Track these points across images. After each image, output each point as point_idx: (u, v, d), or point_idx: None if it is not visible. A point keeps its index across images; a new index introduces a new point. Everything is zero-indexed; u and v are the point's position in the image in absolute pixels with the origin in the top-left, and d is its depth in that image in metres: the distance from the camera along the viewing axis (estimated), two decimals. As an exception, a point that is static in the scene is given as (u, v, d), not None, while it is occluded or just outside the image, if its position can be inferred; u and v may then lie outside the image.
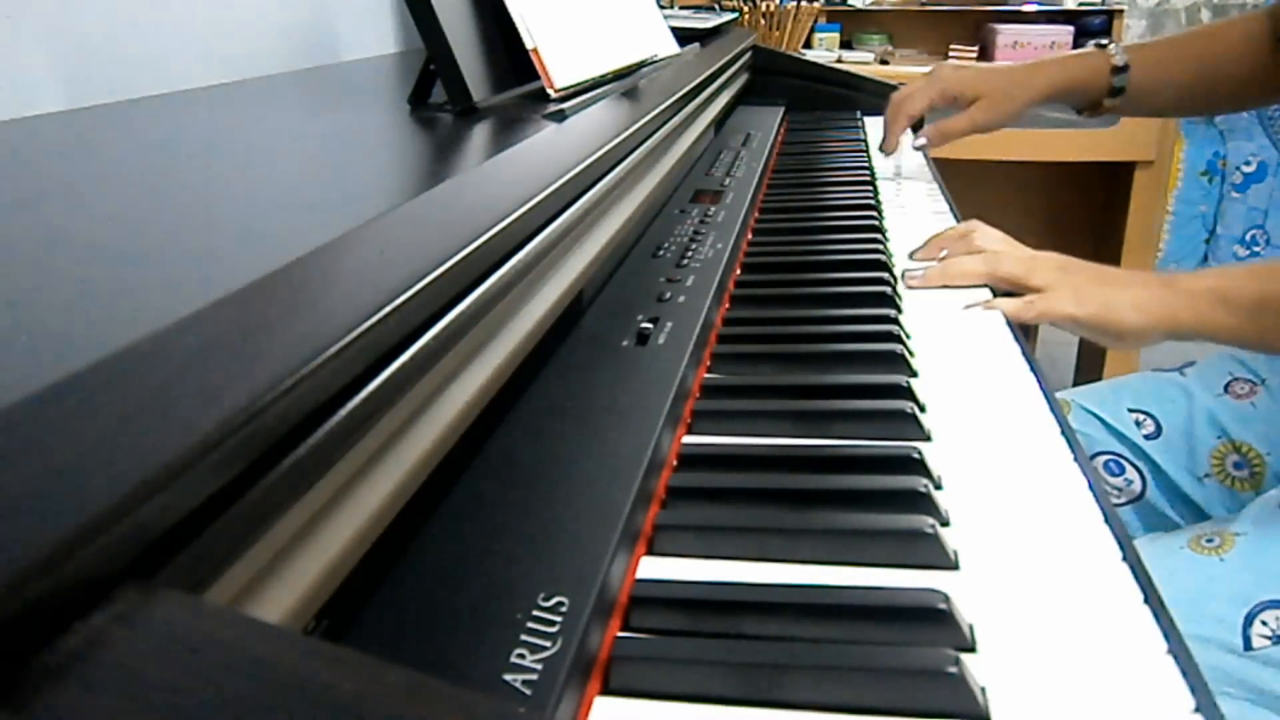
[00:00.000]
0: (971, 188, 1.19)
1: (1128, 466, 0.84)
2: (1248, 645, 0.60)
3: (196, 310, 0.23)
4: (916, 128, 1.11)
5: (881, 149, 1.12)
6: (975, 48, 2.46)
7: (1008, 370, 0.58)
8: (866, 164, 1.12)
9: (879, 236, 0.83)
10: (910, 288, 0.73)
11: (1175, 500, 0.83)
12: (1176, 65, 0.99)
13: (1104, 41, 1.01)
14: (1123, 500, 0.84)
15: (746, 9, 2.08)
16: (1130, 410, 0.86)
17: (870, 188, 1.01)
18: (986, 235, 0.76)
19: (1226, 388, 0.84)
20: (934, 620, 0.34)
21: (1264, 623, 0.61)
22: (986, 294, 0.70)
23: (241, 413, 0.21)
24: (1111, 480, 0.85)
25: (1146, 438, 0.85)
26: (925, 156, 1.20)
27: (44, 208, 0.36)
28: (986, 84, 1.02)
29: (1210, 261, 2.83)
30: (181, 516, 0.20)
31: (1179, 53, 0.99)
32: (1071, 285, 0.67)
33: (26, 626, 0.16)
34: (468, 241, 0.36)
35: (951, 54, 2.46)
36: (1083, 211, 1.97)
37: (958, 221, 0.92)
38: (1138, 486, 0.84)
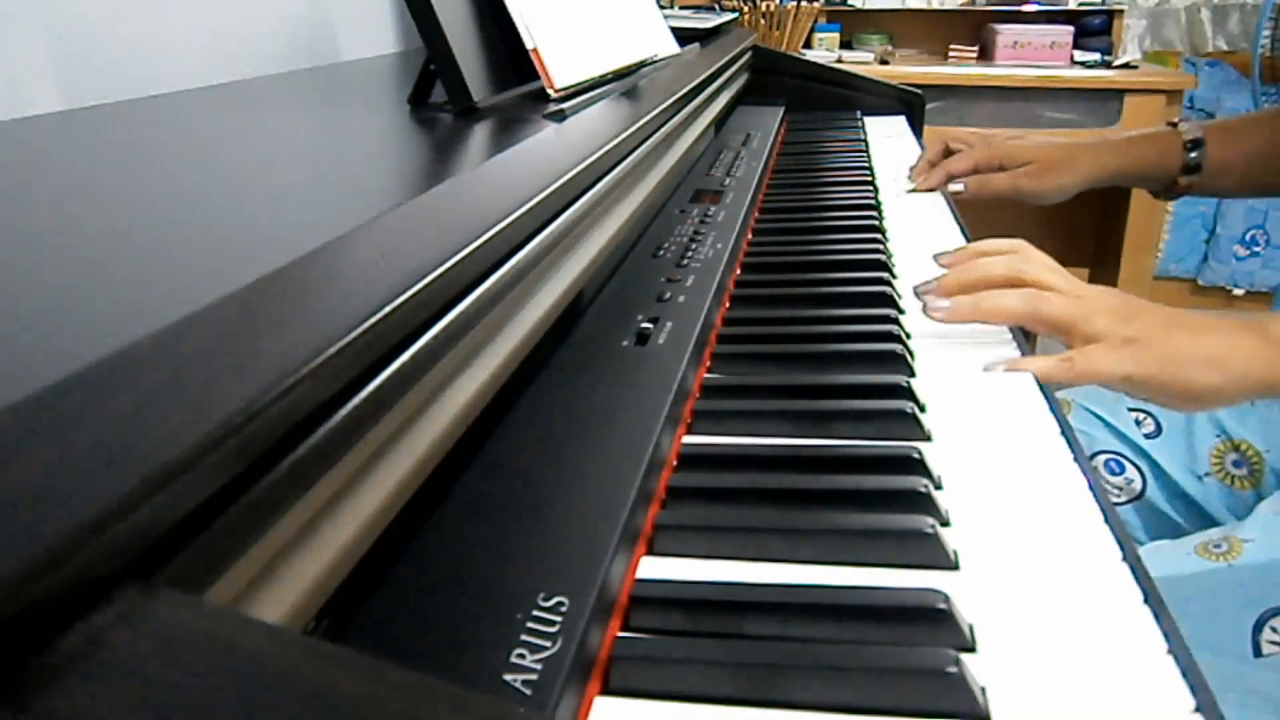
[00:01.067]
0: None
1: (1128, 465, 0.84)
2: (1257, 652, 0.60)
3: (196, 310, 0.23)
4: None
5: (911, 179, 1.04)
6: (975, 48, 2.46)
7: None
8: (866, 164, 1.12)
9: (879, 236, 0.83)
10: (932, 318, 0.60)
11: (1175, 499, 0.83)
12: (1258, 138, 0.91)
13: (1175, 121, 0.93)
14: (1123, 499, 0.84)
15: (746, 9, 2.08)
16: (1130, 409, 0.86)
17: (870, 188, 1.01)
18: (1032, 261, 0.62)
19: None
20: (934, 620, 0.34)
21: (1273, 629, 0.60)
22: (1008, 341, 0.61)
23: (242, 412, 0.21)
24: (1112, 479, 0.85)
25: (1146, 437, 0.85)
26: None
27: (43, 208, 0.36)
28: (1039, 153, 0.94)
29: (1210, 262, 2.83)
30: (181, 516, 0.20)
31: (1259, 127, 0.92)
32: (1126, 336, 0.56)
33: (26, 626, 0.16)
34: (468, 242, 0.36)
35: (951, 54, 2.46)
36: (1083, 212, 1.97)
37: (957, 221, 0.92)
38: (1138, 485, 0.84)
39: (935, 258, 0.66)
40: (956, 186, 0.98)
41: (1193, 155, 0.91)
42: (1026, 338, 0.63)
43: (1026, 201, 0.96)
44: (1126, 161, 0.94)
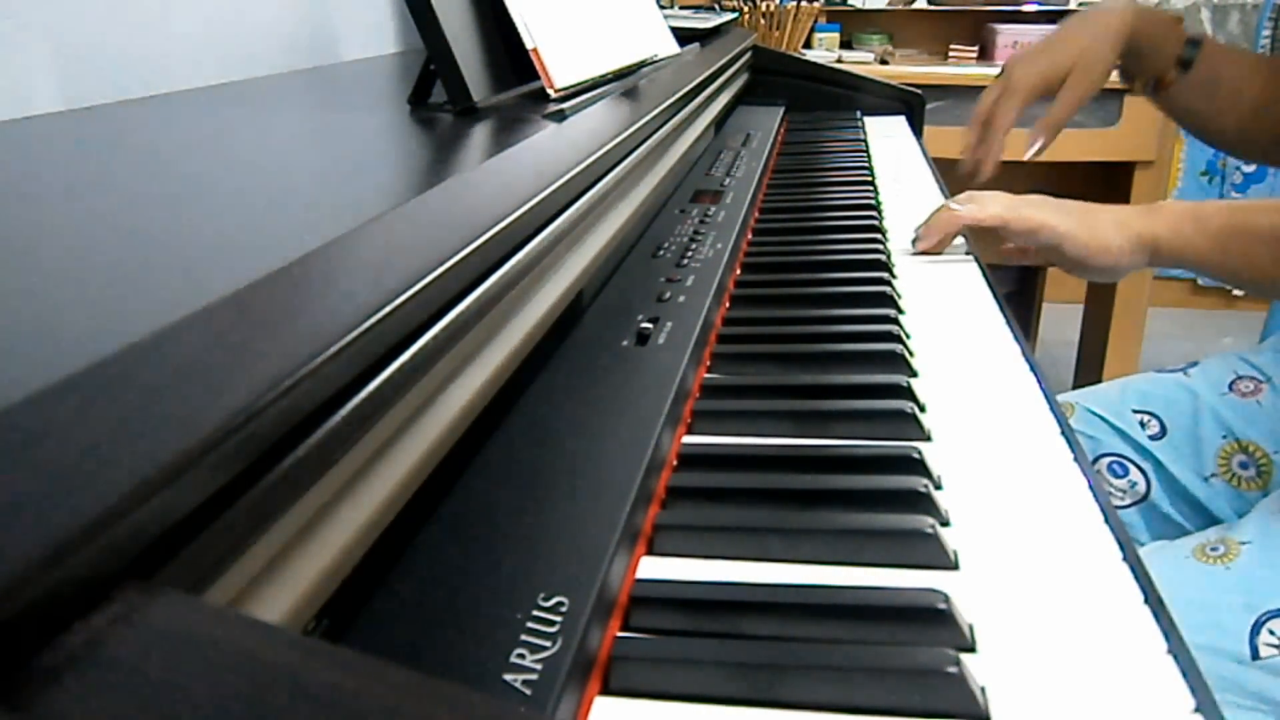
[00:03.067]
0: (971, 187, 1.19)
1: (1132, 468, 0.84)
2: (1255, 654, 0.60)
3: (196, 310, 0.23)
4: None
5: (966, 169, 0.99)
6: (975, 48, 2.46)
7: (1008, 370, 0.58)
8: (866, 164, 1.12)
9: (879, 236, 0.83)
10: (918, 251, 0.81)
11: (1180, 501, 0.83)
12: (1257, 80, 0.91)
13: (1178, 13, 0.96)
14: (1127, 502, 0.84)
15: (746, 9, 2.08)
16: (1135, 411, 0.86)
17: (870, 188, 1.01)
18: (979, 198, 0.80)
19: (1231, 386, 0.84)
20: (934, 620, 0.34)
21: (1271, 631, 0.60)
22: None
23: (241, 413, 0.21)
24: (1116, 482, 0.84)
25: (1151, 438, 0.84)
26: (926, 157, 1.19)
27: (43, 208, 0.36)
28: (1064, 56, 0.91)
29: (1210, 261, 2.83)
30: (181, 516, 0.20)
31: (1256, 71, 0.92)
32: (1052, 206, 0.74)
33: (26, 626, 0.16)
34: (468, 242, 0.36)
35: (951, 54, 2.45)
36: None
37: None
38: (1142, 488, 0.83)
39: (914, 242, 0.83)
40: (1034, 149, 0.96)
41: (1187, 51, 0.92)
42: (1026, 334, 0.63)
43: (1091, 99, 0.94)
44: (1140, 24, 0.92)
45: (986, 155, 0.97)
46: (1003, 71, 0.96)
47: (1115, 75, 0.97)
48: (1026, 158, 0.96)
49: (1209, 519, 0.82)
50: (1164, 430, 0.84)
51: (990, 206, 0.76)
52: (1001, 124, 0.95)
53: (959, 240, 0.84)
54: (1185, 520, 0.83)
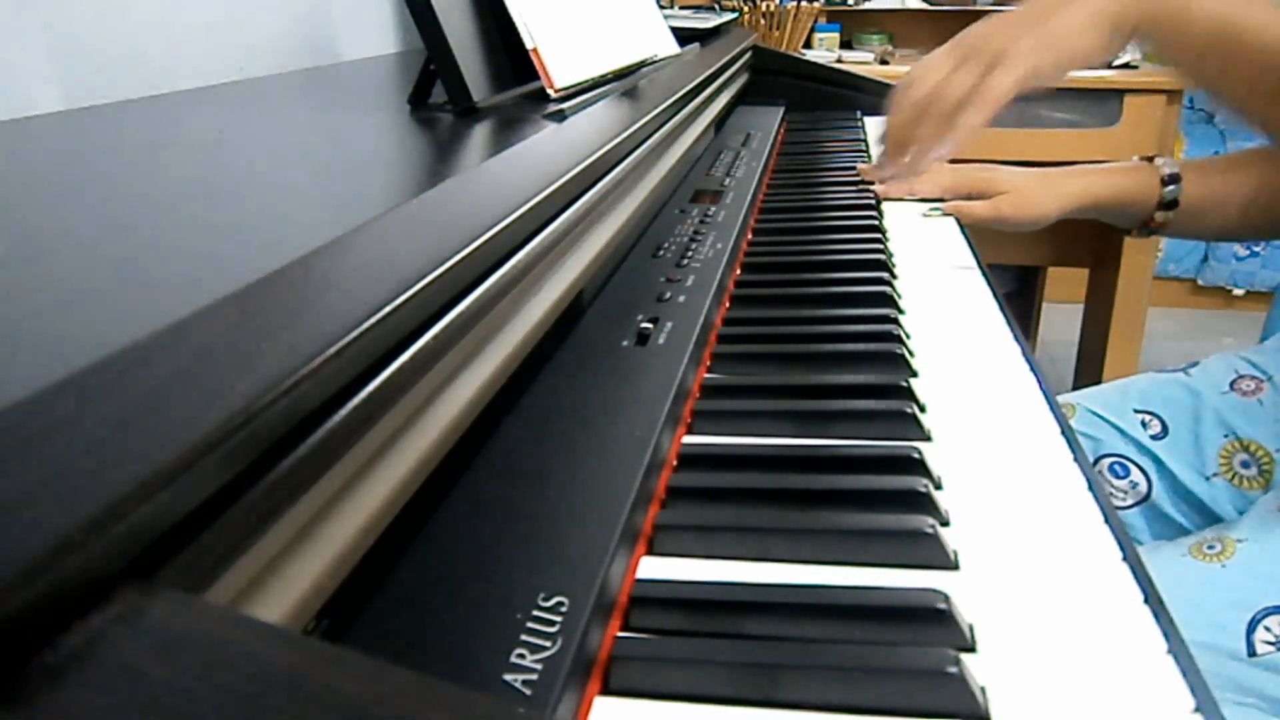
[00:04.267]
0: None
1: (1133, 468, 0.84)
2: (1251, 651, 0.60)
3: (196, 310, 0.23)
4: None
5: (866, 170, 1.02)
6: (975, 48, 2.46)
7: (1008, 370, 0.58)
8: (867, 164, 1.12)
9: (879, 236, 0.83)
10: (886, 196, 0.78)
11: (1182, 501, 0.83)
12: (1235, 180, 0.88)
13: (1150, 155, 0.91)
14: (1129, 503, 0.84)
15: (746, 9, 2.08)
16: (1136, 411, 0.86)
17: (870, 187, 1.01)
18: (920, 83, 0.77)
19: (1232, 385, 0.84)
20: (934, 620, 0.34)
21: (1267, 628, 0.60)
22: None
23: (241, 413, 0.21)
24: (1117, 483, 0.84)
25: (1153, 438, 0.84)
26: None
27: (43, 208, 0.36)
28: (1017, 181, 0.92)
29: (1210, 262, 2.83)
30: (181, 516, 0.20)
31: (1238, 168, 0.89)
32: (1010, 47, 0.69)
33: (26, 626, 0.16)
34: (468, 241, 0.36)
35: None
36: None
37: (957, 220, 0.92)
38: (1144, 488, 0.83)
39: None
40: (932, 210, 0.95)
41: (1169, 189, 0.89)
42: (1026, 334, 0.63)
43: (1006, 229, 0.93)
44: (1106, 191, 0.91)
45: (884, 191, 0.98)
46: (956, 166, 0.94)
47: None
48: (924, 215, 0.94)
49: (1210, 519, 0.82)
50: (1165, 430, 0.84)
51: (961, 129, 0.71)
52: (915, 190, 0.97)
53: (960, 241, 0.84)
54: (1186, 520, 0.83)
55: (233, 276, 0.26)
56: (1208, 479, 0.82)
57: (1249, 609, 0.61)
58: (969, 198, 0.94)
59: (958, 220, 0.93)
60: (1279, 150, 0.85)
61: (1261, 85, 0.63)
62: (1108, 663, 0.33)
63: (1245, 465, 0.81)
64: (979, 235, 0.85)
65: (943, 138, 0.72)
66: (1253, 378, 0.84)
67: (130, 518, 0.18)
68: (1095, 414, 0.86)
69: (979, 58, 0.70)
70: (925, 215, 0.95)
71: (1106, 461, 0.84)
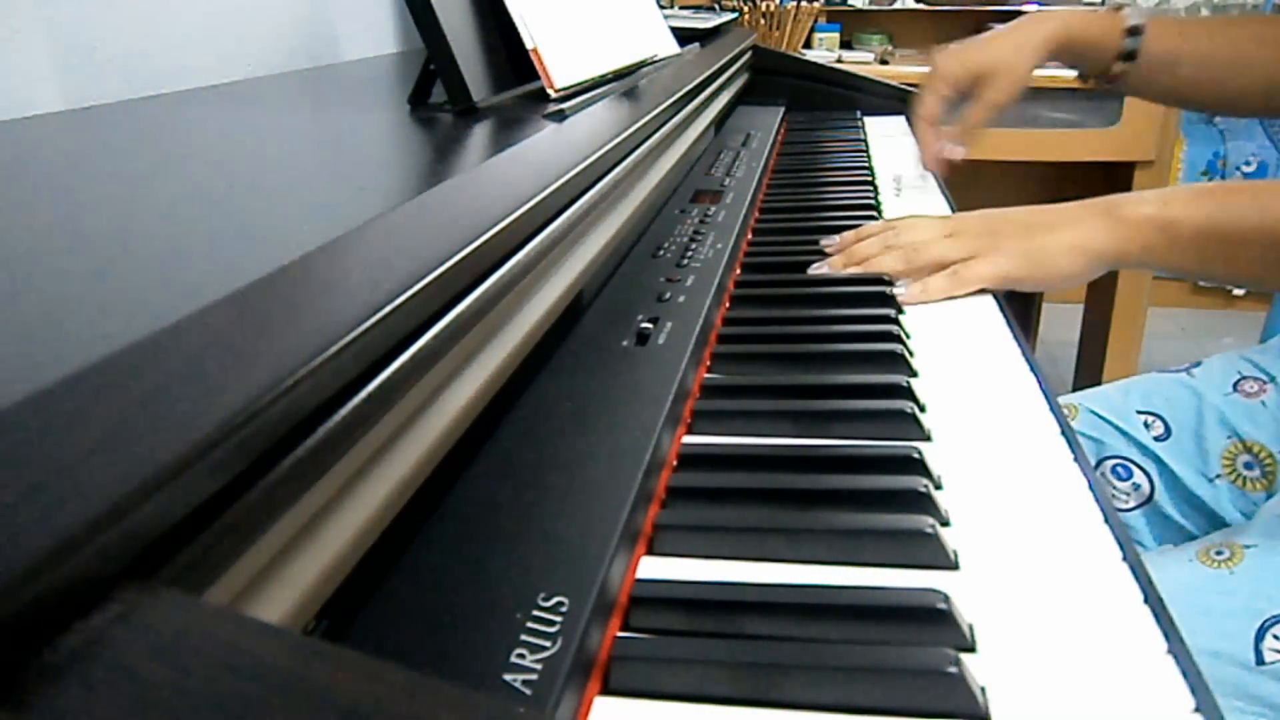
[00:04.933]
0: (971, 188, 1.18)
1: (1135, 470, 0.84)
2: (1260, 660, 0.60)
3: (196, 310, 0.23)
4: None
5: (924, 165, 1.04)
6: (975, 48, 2.46)
7: (1008, 370, 0.58)
8: (866, 164, 1.12)
9: (879, 236, 0.82)
10: (817, 272, 0.73)
11: (1184, 503, 0.82)
12: (1202, 44, 0.91)
13: (1121, 2, 0.95)
14: (1131, 505, 0.83)
15: (746, 9, 2.08)
16: (1139, 412, 0.85)
17: (870, 188, 1.01)
18: (900, 231, 0.73)
19: (1235, 386, 0.84)
20: (934, 620, 0.34)
21: (1276, 636, 0.60)
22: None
23: (241, 413, 0.21)
24: (1120, 485, 0.84)
25: (1156, 439, 0.84)
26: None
27: (43, 208, 0.36)
28: (986, 55, 0.95)
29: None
30: (181, 516, 0.20)
31: (1208, 33, 0.92)
32: (995, 246, 0.69)
33: (26, 626, 0.16)
34: (468, 241, 0.36)
35: (951, 54, 2.45)
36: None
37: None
38: (1146, 490, 0.83)
39: (822, 246, 0.78)
40: (957, 152, 0.99)
41: (1127, 42, 0.92)
42: (1026, 334, 0.63)
43: (1009, 106, 0.97)
44: (1068, 32, 0.95)
45: (924, 149, 1.01)
46: (931, 63, 0.99)
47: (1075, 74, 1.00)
48: (957, 158, 1.00)
49: (1213, 521, 0.81)
50: (1168, 431, 0.84)
51: (932, 286, 0.69)
52: (924, 113, 0.99)
53: None
54: (1189, 522, 0.82)
55: (232, 276, 0.26)
56: (1211, 480, 0.82)
57: (1258, 616, 0.61)
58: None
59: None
60: (1260, 22, 0.90)
61: (1271, 260, 0.64)
62: (1107, 663, 0.33)
63: (1249, 467, 0.81)
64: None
65: (898, 276, 0.71)
66: (1256, 379, 0.84)
67: (130, 518, 0.18)
68: (1098, 415, 0.86)
69: (968, 242, 0.70)
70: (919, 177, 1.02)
71: (1109, 463, 0.84)
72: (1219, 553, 0.66)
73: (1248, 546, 0.66)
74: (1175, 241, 0.64)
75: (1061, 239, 0.67)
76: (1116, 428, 0.85)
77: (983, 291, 0.70)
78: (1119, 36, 0.93)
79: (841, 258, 0.74)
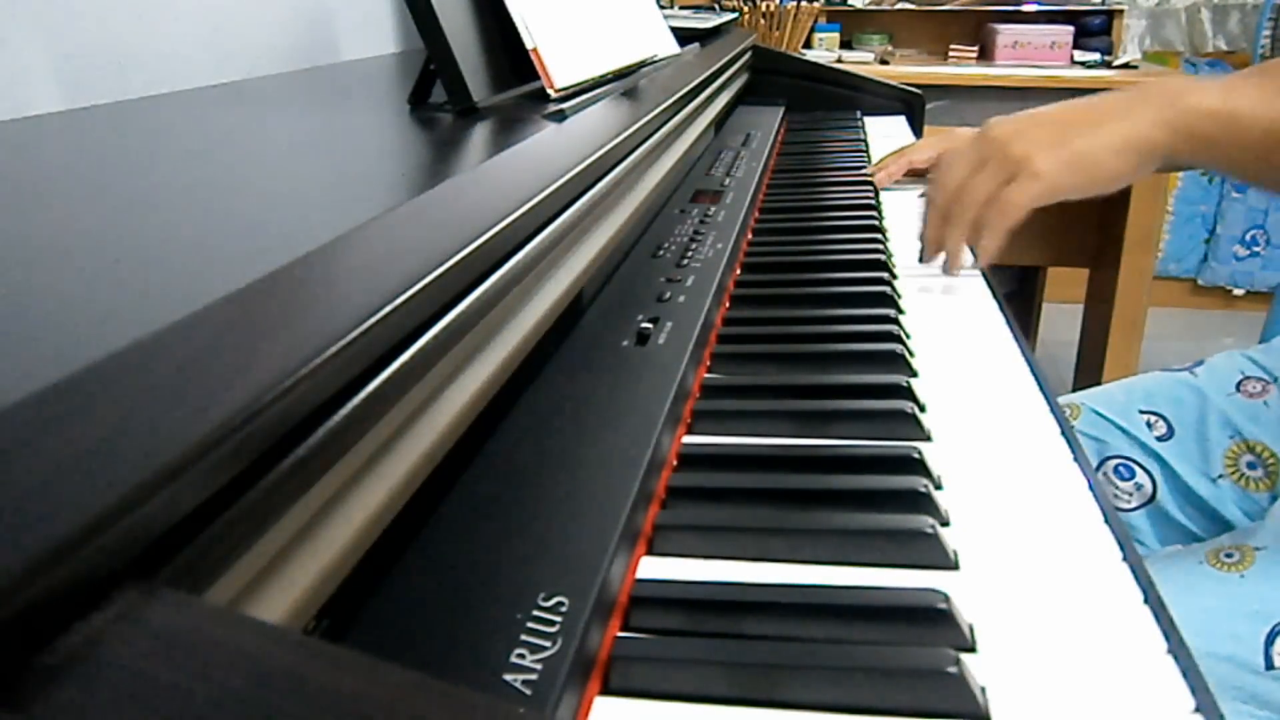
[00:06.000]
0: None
1: (1138, 470, 0.83)
2: (1270, 664, 0.59)
3: (197, 310, 0.23)
4: None
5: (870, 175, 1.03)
6: (975, 48, 2.45)
7: (1008, 370, 0.58)
8: (866, 164, 1.12)
9: (879, 236, 0.83)
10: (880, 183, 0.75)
11: (1187, 503, 0.82)
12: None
13: (1120, 5, 0.91)
14: (1134, 504, 0.83)
15: (746, 9, 2.08)
16: (1141, 412, 0.85)
17: (870, 187, 1.01)
18: (945, 172, 0.71)
19: (1238, 386, 0.84)
20: (934, 620, 0.34)
21: None
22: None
23: (241, 413, 0.21)
24: (1122, 485, 0.84)
25: (1158, 439, 0.84)
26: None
27: (43, 208, 0.36)
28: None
29: (1210, 262, 2.83)
30: (181, 516, 0.20)
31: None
32: (1033, 156, 0.63)
33: (26, 626, 0.16)
34: (468, 241, 0.36)
35: (951, 54, 2.45)
36: (1083, 211, 1.97)
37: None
38: (1149, 490, 0.83)
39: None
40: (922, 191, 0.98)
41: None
42: (1026, 334, 0.63)
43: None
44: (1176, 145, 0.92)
45: (882, 179, 1.01)
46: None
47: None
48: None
49: (1216, 521, 0.81)
50: (1171, 431, 0.84)
51: (985, 248, 0.68)
52: (912, 159, 1.00)
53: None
54: (1192, 523, 0.82)
55: (232, 276, 0.26)
56: (1213, 481, 0.81)
57: (1268, 620, 0.60)
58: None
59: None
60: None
61: None
62: (1108, 663, 0.33)
63: (1251, 467, 0.81)
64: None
65: (967, 242, 0.69)
66: (1259, 379, 0.84)
67: (130, 518, 0.18)
68: (1100, 415, 0.86)
69: (1000, 163, 0.66)
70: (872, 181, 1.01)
71: (1112, 463, 0.84)
72: (1228, 555, 0.66)
73: (1258, 549, 0.65)
74: (1237, 139, 0.59)
75: (1107, 137, 0.62)
76: (1119, 427, 0.85)
77: (984, 291, 0.70)
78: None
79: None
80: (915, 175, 1.04)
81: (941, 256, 0.73)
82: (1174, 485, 0.83)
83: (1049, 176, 0.63)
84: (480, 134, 0.54)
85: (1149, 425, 0.84)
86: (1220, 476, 0.81)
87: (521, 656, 0.29)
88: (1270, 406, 0.81)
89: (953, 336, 0.63)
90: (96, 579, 0.17)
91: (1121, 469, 0.84)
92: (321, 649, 0.18)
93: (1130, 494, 0.83)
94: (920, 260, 0.75)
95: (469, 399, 0.37)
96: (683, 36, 1.07)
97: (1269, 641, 0.60)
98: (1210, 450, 0.82)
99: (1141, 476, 0.83)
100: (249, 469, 0.22)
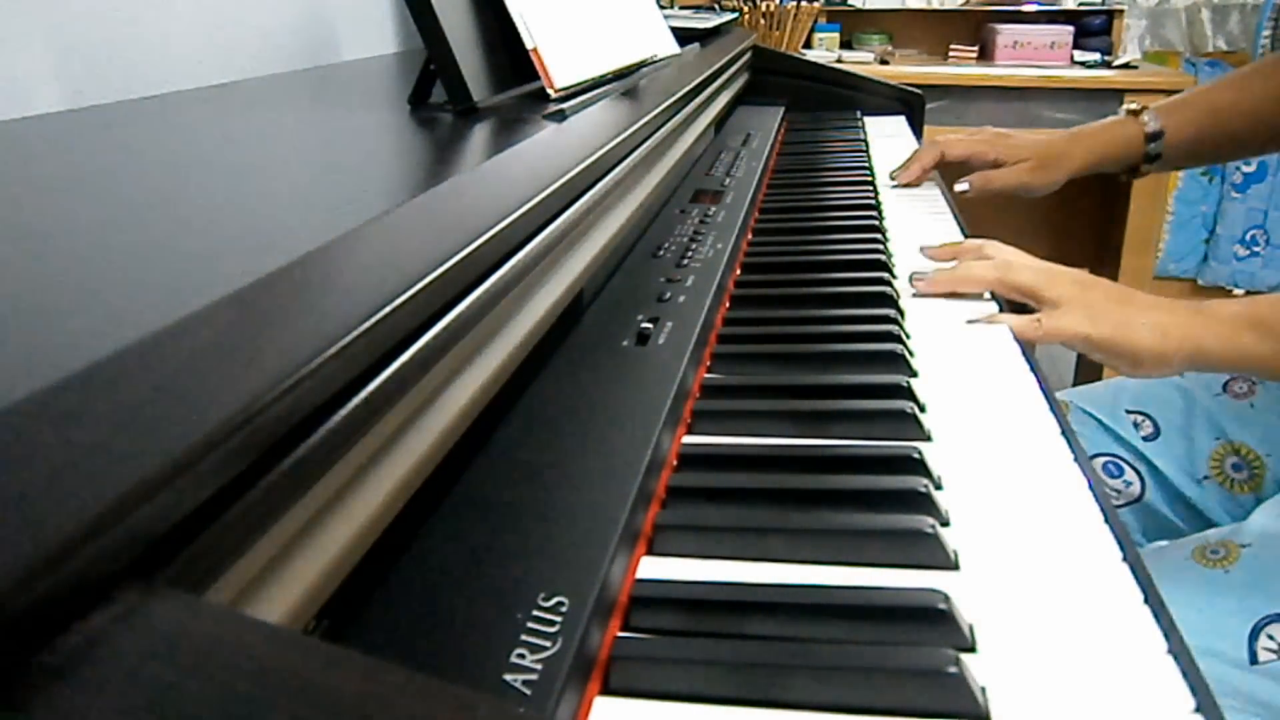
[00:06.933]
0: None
1: (1126, 468, 0.84)
2: (1253, 659, 0.60)
3: (196, 310, 0.23)
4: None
5: (893, 176, 1.08)
6: (975, 48, 2.45)
7: (1008, 370, 0.58)
8: (866, 164, 1.12)
9: (879, 236, 0.83)
10: (917, 293, 0.71)
11: (1174, 503, 0.83)
12: (1213, 118, 0.98)
13: (1135, 107, 1.01)
14: (1121, 502, 0.84)
15: (746, 9, 2.08)
16: (1128, 411, 0.86)
17: (870, 188, 1.01)
18: (1000, 248, 0.73)
19: (1225, 387, 0.84)
20: (934, 620, 0.34)
21: (1270, 636, 0.60)
22: (993, 308, 0.68)
23: (241, 413, 0.21)
24: (1110, 482, 0.84)
25: (1145, 439, 0.84)
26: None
27: (43, 208, 0.36)
28: (1036, 150, 1.03)
29: (1210, 262, 2.83)
30: (181, 516, 0.20)
31: (1213, 104, 0.98)
32: (1086, 302, 0.64)
33: (26, 626, 0.16)
34: (468, 241, 0.36)
35: (951, 54, 2.45)
36: (1083, 211, 1.97)
37: (957, 221, 0.93)
38: (1137, 489, 0.83)
39: (922, 250, 0.79)
40: (961, 186, 1.03)
41: (1151, 147, 1.00)
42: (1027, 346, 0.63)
43: (1024, 195, 1.04)
44: (1102, 151, 1.03)
45: (914, 165, 1.07)
46: (978, 131, 1.06)
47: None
48: (955, 191, 1.03)
49: (1203, 521, 0.81)
50: (1157, 431, 0.84)
51: (1017, 276, 0.67)
52: (947, 150, 1.06)
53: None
54: (1181, 521, 0.82)
55: (232, 276, 0.26)
56: (1198, 482, 0.82)
57: (1252, 615, 0.61)
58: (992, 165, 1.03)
59: (958, 219, 0.93)
60: (1251, 75, 0.97)
61: None
62: (1108, 663, 0.33)
63: (1236, 468, 0.81)
64: (980, 230, 0.85)
65: (991, 285, 0.70)
66: (1245, 380, 0.84)
67: (130, 518, 0.18)
68: (1087, 413, 0.86)
69: (1061, 285, 0.66)
70: (891, 188, 1.05)
71: (1099, 460, 0.84)
72: (1214, 552, 0.66)
73: (1243, 546, 0.66)
74: (1265, 337, 0.62)
75: (1150, 317, 0.63)
76: (1106, 427, 0.85)
77: (982, 292, 0.70)
78: (1141, 144, 1.00)
79: (941, 276, 0.71)
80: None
81: (939, 264, 0.75)
82: (1161, 485, 0.83)
83: (1094, 324, 0.64)
84: (480, 134, 0.54)
85: (1136, 425, 0.85)
86: (1205, 478, 0.82)
87: (521, 656, 0.29)
88: (1256, 408, 0.82)
89: (953, 336, 0.63)
90: (97, 579, 0.17)
91: (1110, 466, 0.84)
92: (321, 649, 0.18)
93: (1118, 491, 0.84)
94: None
95: (469, 399, 0.37)
96: (683, 36, 1.07)
97: (1253, 636, 0.60)
98: (1195, 452, 0.82)
99: (1129, 474, 0.84)
100: (249, 469, 0.22)
